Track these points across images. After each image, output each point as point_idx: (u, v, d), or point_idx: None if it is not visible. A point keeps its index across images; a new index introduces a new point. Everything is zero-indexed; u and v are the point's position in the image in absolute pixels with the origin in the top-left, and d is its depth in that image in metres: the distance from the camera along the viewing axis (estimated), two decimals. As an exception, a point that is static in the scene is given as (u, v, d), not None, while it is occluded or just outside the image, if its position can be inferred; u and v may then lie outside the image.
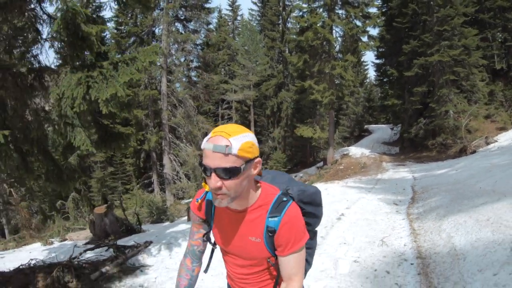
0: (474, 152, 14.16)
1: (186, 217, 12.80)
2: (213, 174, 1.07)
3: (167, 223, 12.25)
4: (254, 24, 29.99)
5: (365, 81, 40.21)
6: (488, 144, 14.64)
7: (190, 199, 19.18)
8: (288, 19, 28.74)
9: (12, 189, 4.60)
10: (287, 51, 28.39)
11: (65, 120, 2.90)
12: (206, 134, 23.51)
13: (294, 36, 21.12)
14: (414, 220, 5.45)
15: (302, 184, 1.36)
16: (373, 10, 19.38)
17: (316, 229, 1.42)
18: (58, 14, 3.03)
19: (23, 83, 3.37)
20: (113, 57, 3.05)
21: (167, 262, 4.46)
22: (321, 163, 21.68)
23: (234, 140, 1.07)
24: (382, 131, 29.88)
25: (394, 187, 9.44)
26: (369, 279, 3.38)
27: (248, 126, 17.81)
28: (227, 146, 1.05)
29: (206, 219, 1.36)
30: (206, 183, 1.23)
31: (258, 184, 1.25)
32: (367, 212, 6.37)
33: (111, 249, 5.28)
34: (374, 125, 36.06)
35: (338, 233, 4.99)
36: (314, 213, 1.32)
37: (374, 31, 51.99)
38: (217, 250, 1.40)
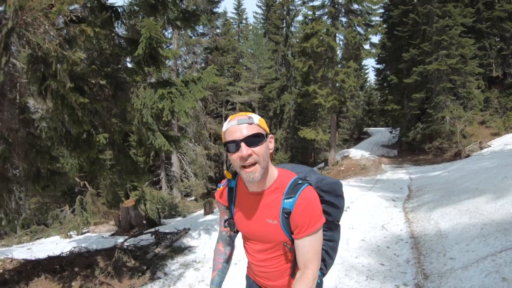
0: (468, 156, 14.70)
1: (199, 212, 13.64)
2: (242, 144, 1.14)
3: (179, 218, 12.94)
4: (258, 27, 30.66)
5: (365, 84, 40.77)
6: (481, 148, 15.17)
7: (194, 198, 20.10)
8: (292, 23, 29.27)
9: (86, 182, 5.52)
10: (290, 55, 29.02)
11: (148, 126, 3.78)
12: (212, 134, 24.37)
13: (298, 41, 21.69)
14: (409, 212, 6.42)
15: (322, 175, 1.39)
16: (375, 18, 19.88)
17: (339, 222, 1.42)
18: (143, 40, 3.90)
19: (105, 93, 4.27)
20: (185, 76, 3.94)
21: (210, 243, 5.40)
22: (322, 164, 22.35)
23: (252, 115, 1.21)
24: (381, 134, 30.44)
25: (392, 186, 10.26)
26: (374, 251, 4.36)
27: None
28: (249, 117, 1.19)
29: (228, 206, 1.41)
30: (228, 171, 1.36)
31: (275, 169, 1.30)
32: (368, 206, 7.33)
33: (153, 235, 6.18)
34: (373, 128, 36.63)
35: (346, 220, 5.94)
36: (333, 202, 1.33)
37: (375, 38, 52.82)
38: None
